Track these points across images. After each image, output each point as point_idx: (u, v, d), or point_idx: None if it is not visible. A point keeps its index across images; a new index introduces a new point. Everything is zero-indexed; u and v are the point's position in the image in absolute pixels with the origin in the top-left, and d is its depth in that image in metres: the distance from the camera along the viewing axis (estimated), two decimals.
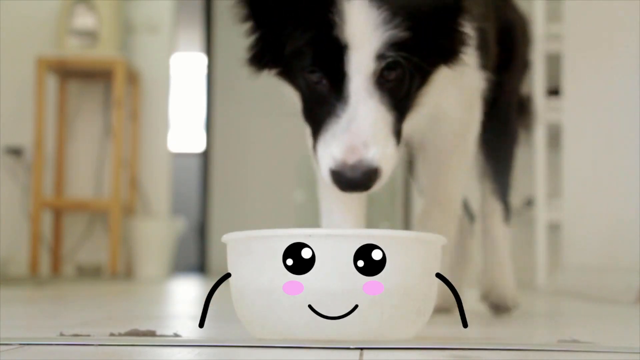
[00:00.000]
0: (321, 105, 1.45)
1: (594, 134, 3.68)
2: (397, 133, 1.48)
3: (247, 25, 1.55)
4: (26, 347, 1.16)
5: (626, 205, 3.39)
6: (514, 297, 2.18)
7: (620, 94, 3.42)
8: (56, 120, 5.90)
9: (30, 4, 5.90)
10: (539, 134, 4.69)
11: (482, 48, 1.79)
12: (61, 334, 1.30)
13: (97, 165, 6.01)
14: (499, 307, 2.15)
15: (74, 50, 5.59)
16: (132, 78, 5.95)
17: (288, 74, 1.55)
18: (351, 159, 1.38)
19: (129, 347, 1.19)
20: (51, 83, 5.80)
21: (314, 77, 1.45)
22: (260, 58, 1.55)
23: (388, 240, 1.14)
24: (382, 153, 1.40)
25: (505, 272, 2.23)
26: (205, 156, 8.19)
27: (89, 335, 1.28)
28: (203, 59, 8.54)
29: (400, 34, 1.40)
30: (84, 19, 5.60)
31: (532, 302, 3.27)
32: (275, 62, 1.54)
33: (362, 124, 1.40)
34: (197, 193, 8.49)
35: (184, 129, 9.42)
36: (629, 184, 3.36)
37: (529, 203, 5.00)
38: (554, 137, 4.69)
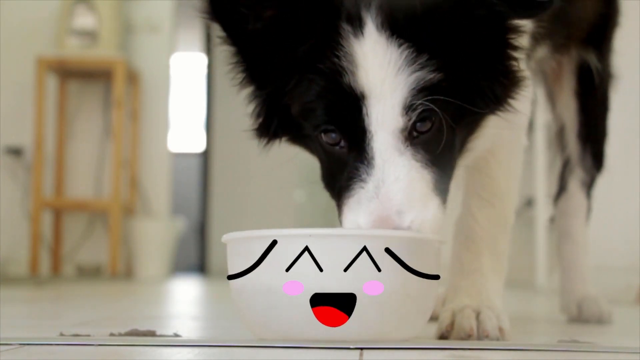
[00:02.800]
0: (342, 169, 1.22)
1: None
2: (443, 191, 1.23)
3: (247, 90, 1.33)
4: (26, 347, 1.16)
5: (626, 205, 3.39)
6: (608, 308, 1.99)
7: (620, 94, 3.42)
8: (56, 120, 5.90)
9: (30, 4, 5.90)
10: (539, 134, 4.68)
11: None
12: (61, 334, 1.30)
13: (97, 165, 6.01)
14: (591, 321, 1.98)
15: (74, 50, 5.59)
16: (132, 78, 5.95)
17: (301, 138, 1.33)
18: None
19: (129, 347, 1.19)
20: (51, 83, 5.80)
21: (330, 138, 1.22)
22: (268, 126, 1.33)
23: (388, 240, 1.14)
24: (422, 220, 1.17)
25: (587, 279, 2.07)
26: (205, 156, 8.19)
27: (89, 335, 1.28)
28: (203, 59, 8.55)
29: (429, 75, 1.17)
30: (84, 19, 5.60)
31: (532, 302, 3.27)
32: (285, 127, 1.32)
33: (392, 188, 1.16)
34: (197, 193, 8.50)
35: (184, 129, 9.42)
36: (629, 184, 3.36)
37: (529, 203, 5.00)
38: None
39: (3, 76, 5.85)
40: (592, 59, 2.03)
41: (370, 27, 1.18)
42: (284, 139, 1.35)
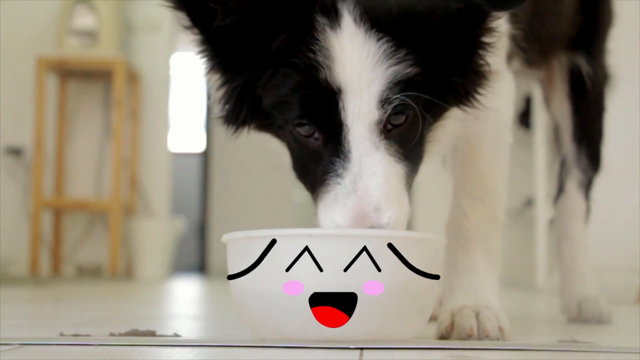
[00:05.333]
0: (316, 162, 1.21)
1: None
2: (410, 186, 1.23)
3: (216, 77, 1.30)
4: (26, 347, 1.16)
5: (626, 206, 3.39)
6: (607, 308, 1.99)
7: (620, 94, 3.41)
8: (56, 120, 5.90)
9: (30, 4, 5.90)
10: (539, 134, 4.68)
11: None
12: (61, 334, 1.30)
13: (97, 165, 6.01)
14: (591, 321, 1.98)
15: (74, 50, 5.59)
16: (132, 78, 5.95)
17: (271, 127, 1.30)
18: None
19: (129, 347, 1.19)
20: (51, 83, 5.79)
21: (304, 130, 1.21)
22: (238, 114, 1.29)
23: (388, 240, 1.14)
24: (397, 217, 1.16)
25: (589, 280, 2.07)
26: (205, 156, 8.19)
27: (89, 335, 1.28)
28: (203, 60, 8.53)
29: (406, 69, 1.16)
30: (84, 19, 5.60)
31: (532, 302, 3.27)
32: (255, 116, 1.29)
33: (370, 184, 1.15)
34: (197, 193, 8.49)
35: (184, 129, 9.42)
36: (629, 185, 3.36)
37: (529, 203, 5.00)
38: None
39: (3, 76, 5.85)
40: (582, 63, 2.04)
41: (348, 20, 1.17)
42: (252, 126, 1.32)
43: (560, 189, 2.14)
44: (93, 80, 5.98)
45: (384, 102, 1.17)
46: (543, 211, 4.77)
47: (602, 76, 2.13)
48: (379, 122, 1.18)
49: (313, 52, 1.16)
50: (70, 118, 6.02)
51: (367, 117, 1.17)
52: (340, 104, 1.16)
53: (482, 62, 1.26)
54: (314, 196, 1.23)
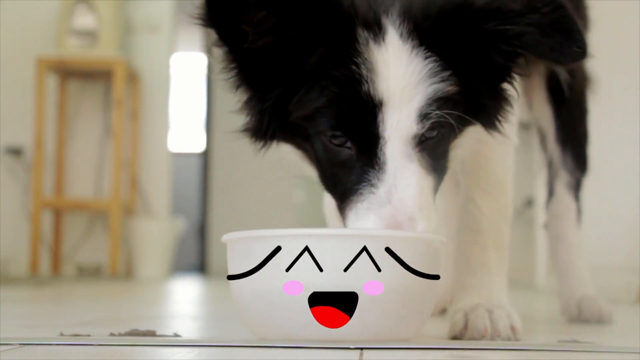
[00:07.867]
0: (348, 172, 1.22)
1: (593, 135, 3.68)
2: (435, 199, 1.25)
3: (242, 95, 1.29)
4: (26, 347, 1.16)
5: (626, 205, 3.39)
6: (607, 308, 2.00)
7: (620, 94, 3.42)
8: (56, 120, 5.89)
9: (30, 4, 5.90)
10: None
11: None
12: (61, 334, 1.30)
13: (97, 165, 6.01)
14: (591, 321, 1.98)
15: (74, 50, 5.59)
16: (132, 78, 5.95)
17: (296, 138, 1.30)
18: None
19: (129, 347, 1.19)
20: (51, 83, 5.79)
21: (336, 140, 1.21)
22: (266, 130, 1.29)
23: (388, 240, 1.14)
24: (429, 229, 1.18)
25: (587, 280, 2.08)
26: (205, 156, 8.19)
27: (89, 335, 1.28)
28: (203, 59, 8.55)
29: (447, 88, 1.19)
30: (84, 19, 5.60)
31: (532, 302, 3.27)
32: (282, 129, 1.28)
33: (405, 194, 1.17)
34: (197, 193, 8.49)
35: (184, 129, 9.42)
36: (628, 185, 3.36)
37: (529, 203, 4.99)
38: None
39: (3, 76, 5.84)
40: (561, 72, 2.03)
41: (393, 35, 1.18)
42: (278, 140, 1.32)
43: (551, 192, 2.16)
44: (93, 80, 5.98)
45: (422, 117, 1.18)
46: (543, 211, 4.76)
47: (580, 79, 2.13)
48: (415, 136, 1.19)
49: (356, 64, 1.17)
50: (70, 118, 6.01)
51: (405, 130, 1.18)
52: (380, 117, 1.17)
53: (509, 89, 1.29)
54: (343, 205, 1.23)
